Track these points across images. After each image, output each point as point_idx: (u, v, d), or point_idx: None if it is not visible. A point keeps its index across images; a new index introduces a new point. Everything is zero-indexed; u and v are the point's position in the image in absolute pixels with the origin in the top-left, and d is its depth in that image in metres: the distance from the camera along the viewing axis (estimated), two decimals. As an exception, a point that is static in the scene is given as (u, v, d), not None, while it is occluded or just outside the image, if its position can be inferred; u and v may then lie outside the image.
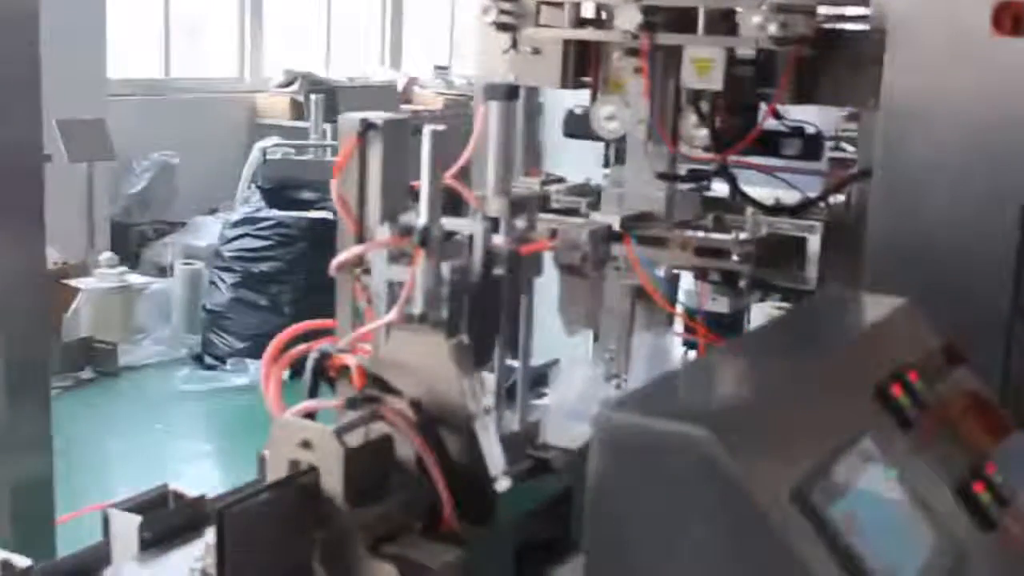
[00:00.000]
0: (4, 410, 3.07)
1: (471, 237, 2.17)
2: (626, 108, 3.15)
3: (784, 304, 3.30)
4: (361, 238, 2.22)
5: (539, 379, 2.77)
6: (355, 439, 1.93)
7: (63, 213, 8.03)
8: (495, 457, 2.00)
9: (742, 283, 2.96)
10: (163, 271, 8.45)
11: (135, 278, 7.69)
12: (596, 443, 1.68)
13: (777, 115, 3.21)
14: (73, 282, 7.40)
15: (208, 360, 7.31)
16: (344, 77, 11.05)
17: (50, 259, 7.68)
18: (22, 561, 2.06)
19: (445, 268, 2.08)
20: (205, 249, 8.15)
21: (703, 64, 2.94)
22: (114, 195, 8.91)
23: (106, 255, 7.45)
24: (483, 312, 2.21)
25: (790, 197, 3.22)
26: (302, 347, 2.23)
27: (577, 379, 2.82)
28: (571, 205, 3.25)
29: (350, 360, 2.06)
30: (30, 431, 3.10)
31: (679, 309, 3.60)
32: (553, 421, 2.49)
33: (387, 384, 2.05)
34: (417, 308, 2.06)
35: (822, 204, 3.17)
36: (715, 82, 2.93)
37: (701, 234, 3.02)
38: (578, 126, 3.46)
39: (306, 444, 1.84)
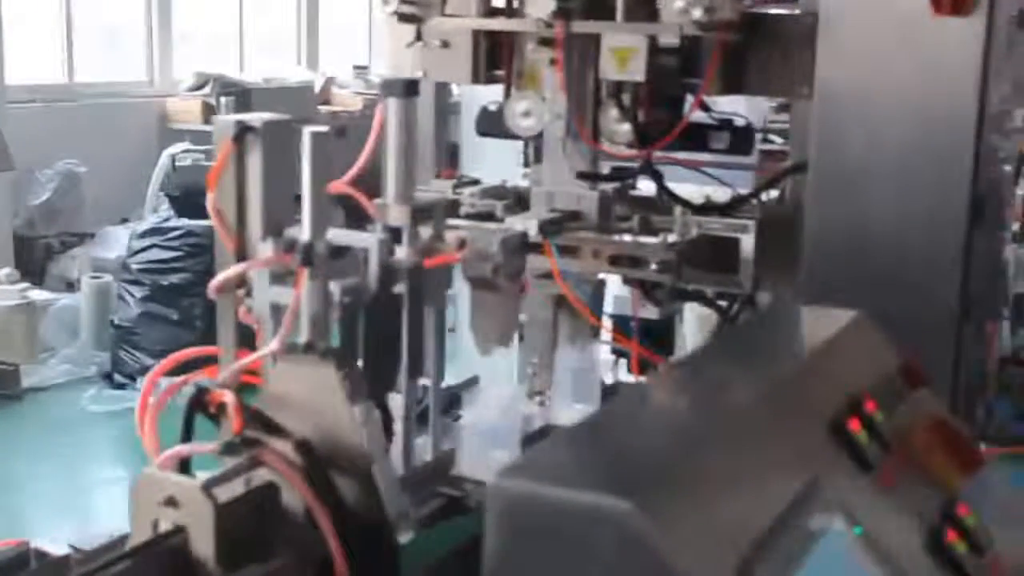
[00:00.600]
0: None
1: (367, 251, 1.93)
2: (542, 103, 2.92)
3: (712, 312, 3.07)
4: (242, 255, 1.96)
5: (455, 400, 2.53)
6: (231, 491, 1.67)
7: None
8: (396, 502, 1.75)
9: (660, 294, 2.73)
10: (71, 285, 8.08)
11: (38, 294, 7.32)
12: (490, 518, 1.38)
13: (705, 107, 2.99)
14: (-30, 300, 7.03)
15: (118, 378, 6.95)
16: (259, 78, 10.70)
17: (-52, 275, 7.34)
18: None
19: (335, 288, 1.83)
20: (114, 261, 7.78)
21: (623, 54, 2.71)
22: (17, 207, 8.51)
23: (5, 271, 7.08)
24: (382, 335, 1.97)
25: (721, 195, 3.00)
26: (178, 381, 1.98)
27: (494, 399, 2.58)
28: (485, 209, 3.00)
29: (227, 397, 1.80)
30: None
31: (607, 318, 3.38)
32: (469, 448, 2.25)
33: (273, 423, 1.80)
34: (303, 335, 1.81)
35: (755, 201, 2.95)
36: (637, 73, 2.71)
37: (626, 238, 2.79)
38: (492, 124, 3.22)
39: (171, 501, 1.58)
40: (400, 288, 1.99)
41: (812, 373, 1.80)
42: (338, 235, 1.94)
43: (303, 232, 1.79)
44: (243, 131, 1.93)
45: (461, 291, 2.59)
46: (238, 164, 1.94)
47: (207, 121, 9.54)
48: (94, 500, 5.76)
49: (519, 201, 3.05)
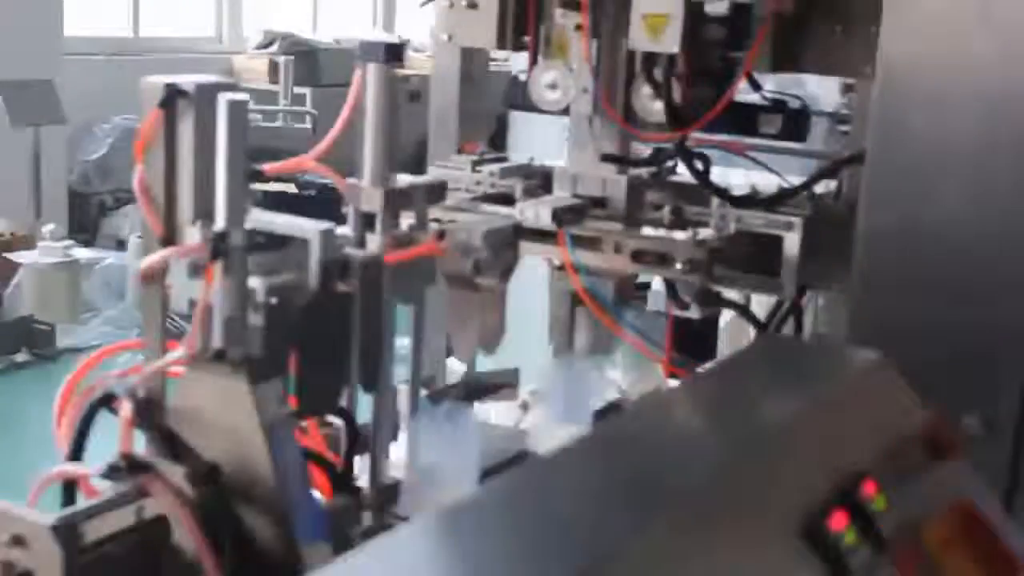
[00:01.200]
0: None
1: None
2: (569, 75, 2.58)
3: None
4: (170, 240, 1.66)
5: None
6: (103, 528, 1.38)
7: (12, 181, 7.53)
8: (313, 547, 1.45)
9: (687, 297, 2.39)
10: (121, 244, 7.89)
11: (83, 252, 7.12)
12: None
13: (756, 86, 2.64)
14: (15, 256, 6.84)
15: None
16: (330, 39, 10.45)
17: (-5, 229, 7.18)
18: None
19: (259, 286, 1.53)
20: (166, 221, 7.58)
21: (656, 21, 2.36)
22: (72, 162, 8.34)
23: (49, 227, 6.88)
24: (321, 344, 1.66)
25: (767, 185, 2.65)
26: (96, 382, 1.70)
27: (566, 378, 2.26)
28: (504, 190, 2.68)
29: (123, 409, 1.51)
30: None
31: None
32: (412, 486, 1.93)
33: (178, 442, 1.51)
34: (216, 341, 1.50)
35: (806, 194, 2.59)
36: (671, 43, 2.36)
37: (653, 231, 2.45)
38: (522, 95, 2.90)
39: (18, 541, 1.29)
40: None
41: (797, 440, 1.39)
42: (275, 222, 1.63)
43: (217, 219, 1.48)
44: (172, 95, 1.61)
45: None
46: (168, 134, 1.63)
47: (273, 81, 9.31)
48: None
49: (545, 183, 2.72)
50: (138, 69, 7.86)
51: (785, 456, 1.37)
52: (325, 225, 1.62)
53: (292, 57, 8.86)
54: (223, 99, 1.47)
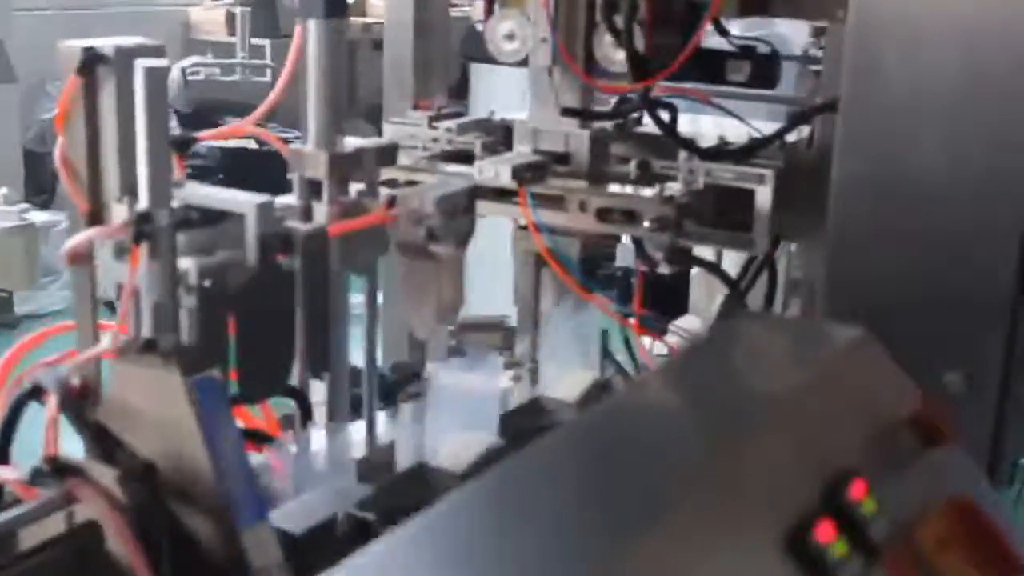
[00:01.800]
0: None
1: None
2: (528, 24, 2.47)
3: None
4: (96, 217, 1.54)
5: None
6: (31, 538, 1.28)
7: (-34, 142, 7.35)
8: (262, 553, 1.35)
9: (657, 255, 2.29)
10: (81, 204, 7.71)
11: (40, 216, 6.94)
12: None
13: (722, 31, 2.52)
14: (-32, 222, 6.66)
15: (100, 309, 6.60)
16: (289, -12, 10.23)
17: (-51, 194, 6.99)
18: None
19: (190, 268, 1.41)
20: (125, 180, 7.41)
21: (616, -36, 2.25)
22: (28, 121, 8.14)
23: (3, 190, 6.69)
24: (262, 325, 1.55)
25: (739, 134, 2.54)
26: (25, 371, 1.59)
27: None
28: (463, 147, 2.56)
29: (48, 405, 1.40)
30: None
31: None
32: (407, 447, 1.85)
33: (113, 440, 1.40)
34: (145, 329, 1.39)
35: (777, 144, 2.48)
36: (631, -12, 2.25)
37: (619, 188, 2.34)
38: (478, 46, 2.77)
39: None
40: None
41: (778, 436, 1.26)
42: (209, 196, 1.52)
43: (140, 198, 1.36)
44: (91, 61, 1.49)
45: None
46: (88, 104, 1.51)
47: (231, 33, 9.10)
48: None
49: (506, 139, 2.61)
50: (91, 24, 7.63)
51: (765, 456, 1.25)
52: (263, 198, 1.50)
53: (249, 8, 8.64)
54: (140, 66, 1.34)
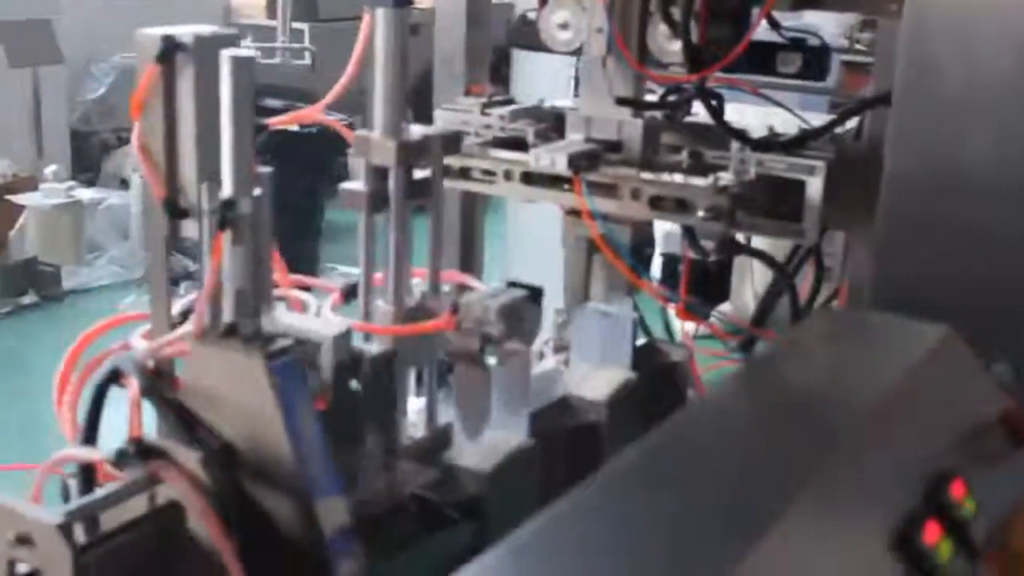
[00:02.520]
0: None
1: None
2: (582, 14, 2.50)
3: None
4: (173, 203, 1.58)
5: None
6: (118, 518, 1.32)
7: (13, 122, 7.44)
8: (336, 534, 1.40)
9: (709, 245, 2.32)
10: (124, 183, 7.81)
11: (86, 193, 7.04)
12: None
13: (774, 24, 2.55)
14: (19, 198, 6.77)
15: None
16: (331, -30, 10.26)
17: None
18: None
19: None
20: (168, 159, 7.49)
21: (674, -43, 2.28)
22: (73, 102, 8.24)
23: (52, 168, 6.79)
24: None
25: (789, 126, 2.57)
26: (100, 355, 1.63)
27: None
28: (516, 134, 2.60)
29: (130, 388, 1.45)
30: None
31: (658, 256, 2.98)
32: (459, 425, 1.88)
33: (194, 422, 1.45)
34: (227, 314, 1.44)
35: (827, 136, 2.50)
36: (686, -21, 2.27)
37: (671, 177, 2.37)
38: (529, 35, 2.81)
39: (25, 540, 1.23)
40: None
41: (878, 434, 1.25)
42: (291, 325, 1.55)
43: (224, 183, 1.41)
44: (170, 49, 1.53)
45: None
46: (166, 91, 1.56)
47: (271, 16, 9.16)
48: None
49: (557, 126, 2.64)
50: (136, 6, 7.68)
51: (866, 456, 1.26)
52: (340, 327, 1.56)
53: (292, -9, 8.71)
54: (226, 56, 1.39)
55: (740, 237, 2.64)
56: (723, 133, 2.43)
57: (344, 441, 1.54)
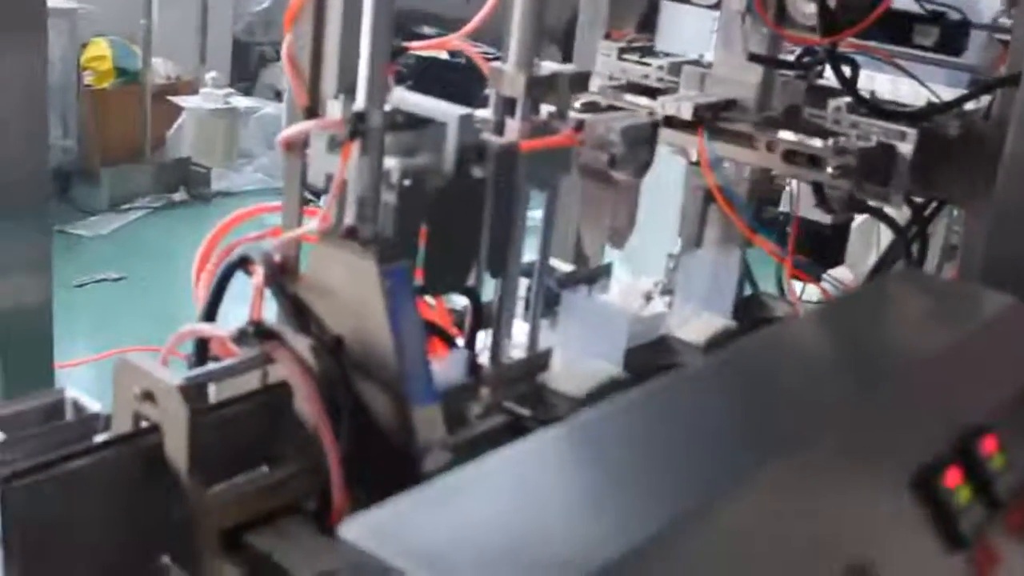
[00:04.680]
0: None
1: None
2: (728, -31, 2.56)
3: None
4: (313, 112, 1.71)
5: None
6: (231, 389, 1.47)
7: (180, 28, 7.69)
8: (427, 425, 1.52)
9: (834, 202, 2.38)
10: (279, 95, 8.04)
11: (242, 101, 7.29)
12: None
13: (915, -6, 2.57)
14: (179, 100, 7.03)
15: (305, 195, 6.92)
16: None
17: (163, 73, 7.37)
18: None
19: (394, 167, 1.58)
20: (321, 74, 7.68)
21: (818, -79, 2.32)
22: (237, 12, 8.48)
23: (212, 75, 7.04)
24: (453, 226, 1.71)
25: (917, 96, 2.60)
26: (232, 243, 1.78)
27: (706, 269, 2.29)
28: (647, 82, 2.68)
29: (256, 275, 1.58)
30: (26, 254, 2.69)
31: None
32: (562, 353, 1.98)
33: (308, 313, 1.58)
34: (348, 218, 1.56)
35: (955, 110, 2.53)
36: (829, -55, 2.32)
37: (790, 135, 2.43)
38: (677, -15, 2.87)
39: (148, 396, 1.38)
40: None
41: (920, 384, 1.33)
42: (417, 103, 1.68)
43: (358, 98, 1.53)
44: (324, -34, 1.65)
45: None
46: (317, 5, 1.68)
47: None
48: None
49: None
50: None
51: (905, 401, 1.33)
52: (464, 110, 1.66)
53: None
54: (370, -22, 1.50)
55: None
56: (852, 99, 2.48)
57: (462, 231, 1.63)
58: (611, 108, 2.54)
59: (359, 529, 0.95)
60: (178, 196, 6.84)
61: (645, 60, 2.73)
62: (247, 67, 8.47)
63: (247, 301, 1.62)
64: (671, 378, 1.36)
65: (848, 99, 2.44)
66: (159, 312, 5.39)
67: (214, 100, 6.95)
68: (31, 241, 2.67)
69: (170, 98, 7.04)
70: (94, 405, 1.79)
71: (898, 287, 1.78)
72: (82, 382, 1.94)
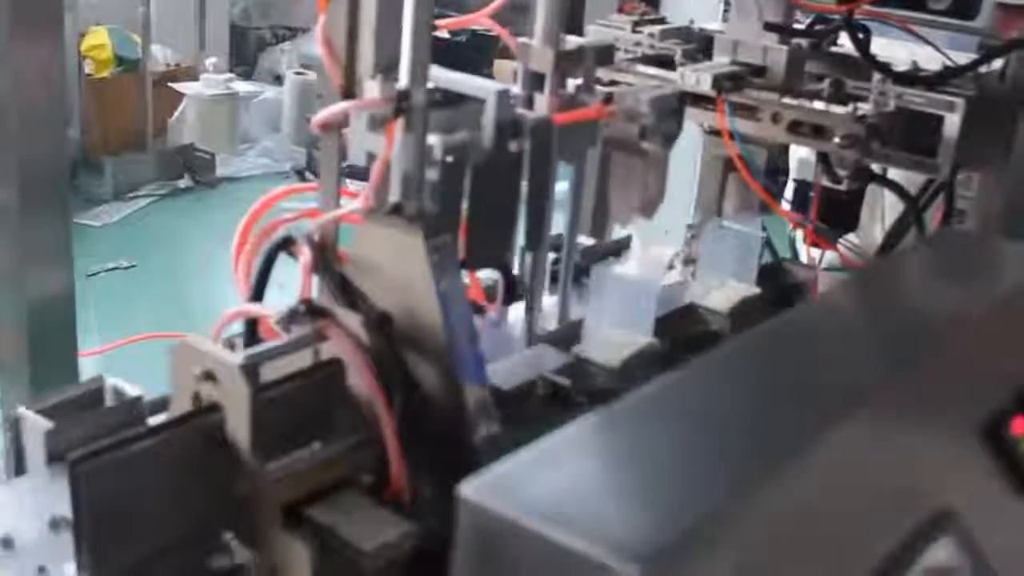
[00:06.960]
0: (18, 222, 2.67)
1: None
2: (737, -64, 2.58)
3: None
4: (349, 92, 1.73)
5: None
6: (286, 367, 1.49)
7: (178, 15, 7.70)
8: (477, 397, 1.55)
9: (842, 172, 2.41)
10: (279, 79, 8.06)
11: (243, 86, 7.31)
12: (460, 539, 1.04)
13: (926, -41, 2.60)
14: (180, 86, 7.04)
15: (310, 176, 6.94)
16: None
17: (163, 60, 7.38)
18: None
19: (437, 144, 1.60)
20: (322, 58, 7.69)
21: None
22: (234, -3, 8.51)
23: (212, 60, 7.06)
24: (492, 201, 1.73)
25: (932, 62, 2.62)
26: (271, 223, 1.80)
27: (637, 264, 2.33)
28: (664, 52, 2.71)
29: (303, 254, 1.61)
30: (48, 243, 2.71)
31: (790, 187, 3.06)
32: (592, 323, 2.01)
33: (354, 290, 1.61)
34: (393, 195, 1.59)
35: (970, 74, 2.56)
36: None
37: (811, 104, 2.46)
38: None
39: (209, 376, 1.40)
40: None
41: (977, 341, 1.36)
42: (454, 80, 1.70)
43: (401, 76, 1.55)
44: (356, -56, 1.67)
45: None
46: (352, -17, 1.69)
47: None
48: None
49: (704, 48, 2.74)
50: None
51: (967, 356, 1.36)
52: (500, 85, 1.68)
53: None
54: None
55: (875, 169, 2.72)
56: (866, 65, 2.51)
57: (501, 206, 1.66)
58: (612, 84, 2.58)
59: (478, 488, 1.00)
60: (183, 183, 6.87)
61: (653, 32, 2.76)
62: (246, 52, 8.49)
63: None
64: (733, 345, 1.38)
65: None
66: (173, 298, 5.43)
67: (215, 86, 6.97)
68: (55, 231, 2.70)
69: (171, 85, 7.06)
70: (134, 390, 1.82)
71: (950, 246, 1.80)
72: (99, 369, 1.97)
